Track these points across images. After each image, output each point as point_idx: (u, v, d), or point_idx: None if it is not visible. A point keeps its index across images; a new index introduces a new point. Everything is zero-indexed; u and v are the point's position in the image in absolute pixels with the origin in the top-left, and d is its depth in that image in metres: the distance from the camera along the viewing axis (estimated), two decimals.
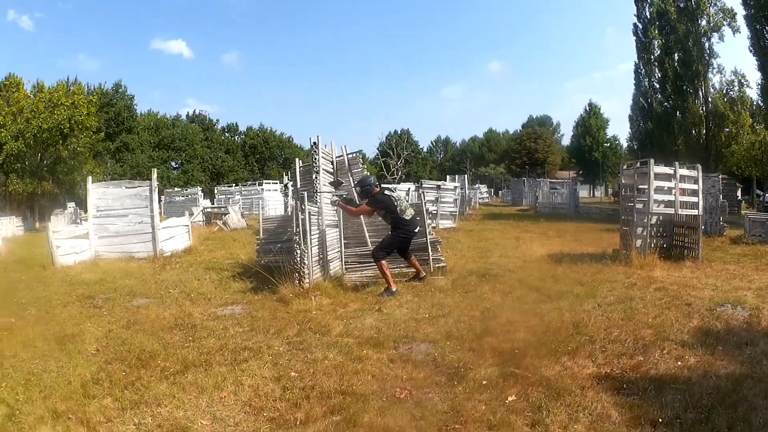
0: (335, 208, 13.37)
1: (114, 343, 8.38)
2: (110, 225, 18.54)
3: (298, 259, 11.54)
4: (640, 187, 15.92)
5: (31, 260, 18.56)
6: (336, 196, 13.07)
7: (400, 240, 12.37)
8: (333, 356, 7.55)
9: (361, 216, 13.82)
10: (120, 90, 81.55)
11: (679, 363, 7.10)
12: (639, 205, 15.76)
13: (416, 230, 12.84)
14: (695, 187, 16.37)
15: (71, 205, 45.58)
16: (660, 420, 5.39)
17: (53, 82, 57.25)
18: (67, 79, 66.72)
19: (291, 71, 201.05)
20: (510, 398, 5.98)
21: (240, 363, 7.32)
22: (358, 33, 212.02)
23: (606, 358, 7.29)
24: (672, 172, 15.91)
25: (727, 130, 51.51)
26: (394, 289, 11.55)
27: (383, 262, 11.88)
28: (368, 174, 14.71)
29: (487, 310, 10.09)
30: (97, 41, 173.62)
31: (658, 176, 15.66)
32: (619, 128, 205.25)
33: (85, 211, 36.86)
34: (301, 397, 6.13)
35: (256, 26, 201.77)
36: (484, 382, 6.45)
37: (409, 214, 12.36)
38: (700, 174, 16.45)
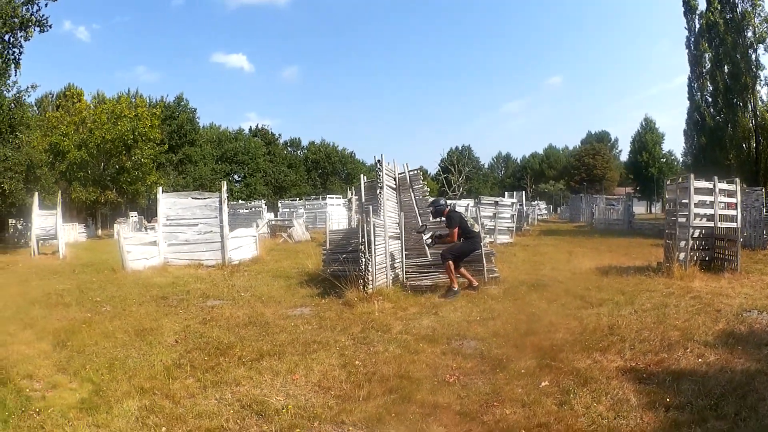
0: (420, 234, 14.56)
1: (192, 336, 9.22)
2: (180, 233, 19.52)
3: (363, 266, 12.41)
4: (683, 201, 16.29)
5: (99, 264, 19.60)
6: (425, 235, 14.29)
7: (469, 249, 13.64)
8: (392, 349, 8.37)
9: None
10: (182, 103, 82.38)
11: (699, 360, 7.69)
12: (681, 219, 16.17)
13: (481, 243, 14.23)
14: (734, 200, 16.79)
15: (134, 214, 46.70)
16: (673, 405, 5.99)
17: (113, 93, 58.67)
18: (128, 91, 68.40)
19: (350, 86, 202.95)
20: (543, 384, 6.72)
21: (310, 353, 8.11)
22: (418, 47, 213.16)
23: (633, 355, 7.90)
24: (712, 186, 16.32)
25: None
26: (456, 288, 12.67)
27: (451, 263, 12.97)
28: (439, 197, 15.95)
29: (532, 314, 10.84)
30: (156, 54, 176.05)
31: (698, 191, 16.09)
32: (676, 143, 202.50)
33: (149, 220, 37.96)
34: (364, 380, 6.91)
35: (316, 40, 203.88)
36: (523, 371, 7.20)
37: (477, 228, 13.59)
38: (739, 188, 16.84)
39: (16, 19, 32.15)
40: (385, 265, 13.60)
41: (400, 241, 14.57)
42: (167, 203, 19.81)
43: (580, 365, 7.41)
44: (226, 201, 20.23)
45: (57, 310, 11.64)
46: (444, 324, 10.02)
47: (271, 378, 7.09)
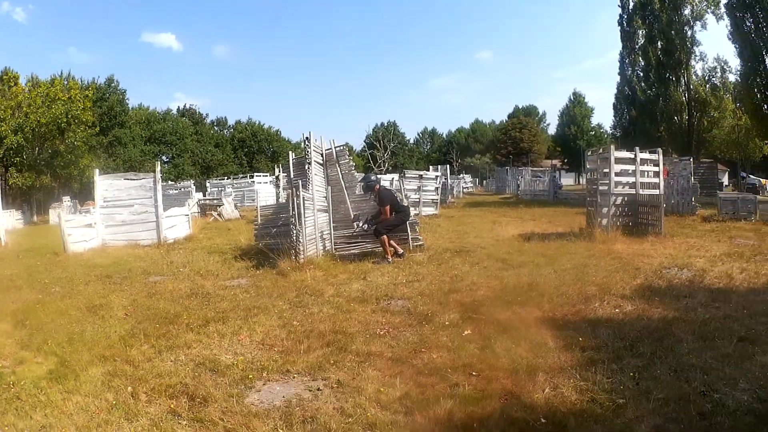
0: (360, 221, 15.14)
1: (140, 309, 9.72)
2: (116, 215, 19.78)
3: (295, 238, 13.17)
4: (604, 171, 17.22)
5: (41, 249, 19.65)
6: (361, 220, 15.05)
7: (401, 221, 14.76)
8: (326, 310, 9.14)
9: (349, 203, 15.61)
10: (113, 84, 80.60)
11: (616, 310, 8.48)
12: (603, 187, 17.06)
13: (409, 213, 15.23)
14: (656, 169, 17.67)
15: (66, 198, 46.13)
16: (589, 347, 6.73)
17: (46, 75, 57.58)
18: (61, 73, 66.65)
19: (279, 64, 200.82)
20: (466, 332, 7.51)
21: (251, 317, 8.80)
22: (347, 25, 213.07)
23: (551, 307, 8.69)
24: (633, 156, 17.30)
25: (711, 115, 52.49)
26: (390, 259, 13.64)
27: (385, 236, 13.99)
28: (369, 173, 16.75)
29: (455, 276, 11.62)
30: (87, 35, 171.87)
31: (619, 160, 17.04)
32: (606, 116, 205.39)
33: (81, 204, 37.56)
34: (303, 337, 7.60)
35: (246, 19, 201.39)
36: (447, 324, 7.99)
37: (405, 203, 14.61)
38: (661, 157, 17.74)
39: None
40: (314, 236, 14.36)
41: (328, 214, 15.24)
42: (104, 185, 20.04)
43: (500, 317, 8.13)
44: (160, 181, 20.48)
45: (10, 294, 11.87)
46: (372, 287, 10.83)
47: (218, 340, 7.67)
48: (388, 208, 14.42)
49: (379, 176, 29.29)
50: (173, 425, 5.08)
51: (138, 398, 5.73)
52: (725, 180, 72.41)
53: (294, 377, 6.23)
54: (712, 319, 7.78)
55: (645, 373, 5.89)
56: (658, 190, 17.50)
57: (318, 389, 5.84)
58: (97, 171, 20.90)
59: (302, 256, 13.21)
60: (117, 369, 6.64)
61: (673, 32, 51.54)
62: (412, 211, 16.14)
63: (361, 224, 14.84)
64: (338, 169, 16.08)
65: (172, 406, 5.49)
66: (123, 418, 5.24)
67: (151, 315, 9.23)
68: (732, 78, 49.68)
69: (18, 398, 5.91)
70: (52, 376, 6.53)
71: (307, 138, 15.09)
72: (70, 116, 47.64)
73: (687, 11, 51.57)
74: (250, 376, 6.21)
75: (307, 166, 14.75)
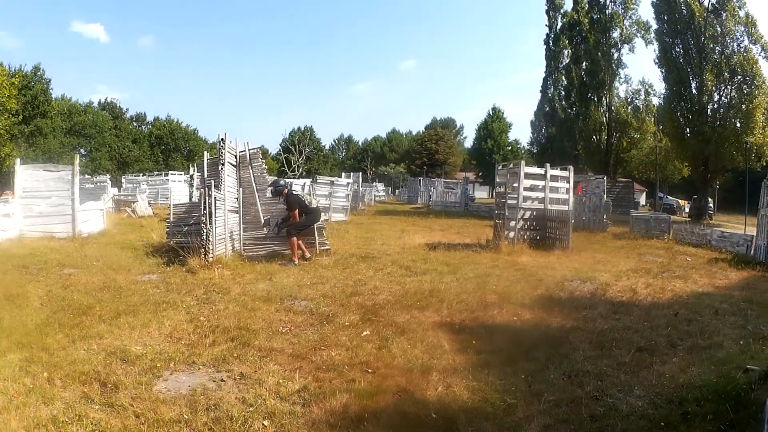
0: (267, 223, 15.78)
1: (55, 300, 9.91)
2: (35, 206, 19.64)
3: (204, 236, 13.55)
4: (514, 185, 17.85)
5: None
6: (272, 224, 15.54)
7: (311, 222, 15.35)
8: (232, 307, 9.60)
9: (259, 205, 16.06)
10: (38, 73, 79.01)
11: (514, 318, 8.98)
12: (511, 201, 17.63)
13: (320, 214, 15.84)
14: (567, 185, 18.35)
15: None
16: (485, 350, 7.17)
17: None
18: None
19: (201, 62, 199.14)
20: (365, 333, 8.00)
21: (160, 311, 9.18)
22: (271, 26, 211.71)
23: (450, 313, 9.19)
24: (543, 172, 17.99)
25: (631, 136, 53.64)
26: (296, 262, 14.16)
27: (294, 239, 14.61)
28: (278, 178, 17.31)
29: (359, 280, 12.16)
30: (18, 19, 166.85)
31: (528, 176, 17.65)
32: (526, 132, 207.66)
33: (0, 193, 36.84)
34: (209, 331, 8.04)
35: (173, 12, 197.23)
36: (347, 324, 8.51)
37: (314, 203, 15.08)
38: (572, 174, 18.44)
39: None
40: (224, 236, 14.73)
41: (238, 215, 15.66)
42: (24, 175, 19.87)
43: (399, 320, 8.67)
44: (78, 174, 20.38)
45: None
46: (278, 287, 11.31)
47: (129, 331, 8.00)
48: (296, 212, 14.98)
49: (290, 181, 29.58)
50: (86, 409, 5.39)
51: (54, 383, 6.00)
52: (642, 200, 74.36)
53: (199, 368, 6.62)
54: (612, 329, 8.27)
55: (538, 377, 6.32)
56: (567, 206, 18.11)
57: (222, 380, 6.24)
58: (18, 161, 20.72)
59: (211, 254, 13.57)
60: (33, 356, 6.83)
61: (599, 54, 52.54)
62: (322, 217, 16.59)
63: (272, 227, 15.28)
64: (251, 171, 16.44)
65: (85, 391, 5.81)
66: (40, 402, 5.51)
67: (66, 306, 9.44)
68: (655, 101, 50.74)
69: None
70: None
71: (222, 139, 15.41)
72: None
73: (616, 34, 52.78)
74: (158, 366, 6.57)
75: (220, 167, 15.03)
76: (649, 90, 52.43)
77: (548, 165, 18.55)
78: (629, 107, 53.20)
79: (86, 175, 51.33)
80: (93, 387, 5.95)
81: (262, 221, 15.88)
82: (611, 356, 7.01)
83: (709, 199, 45.08)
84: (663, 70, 41.05)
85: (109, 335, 7.82)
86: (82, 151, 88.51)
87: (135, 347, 7.31)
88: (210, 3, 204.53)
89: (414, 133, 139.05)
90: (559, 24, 60.66)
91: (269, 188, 16.21)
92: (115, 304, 9.59)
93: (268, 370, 6.51)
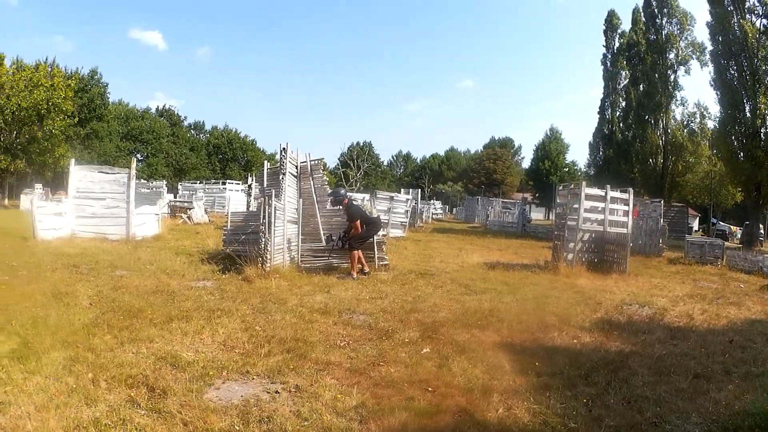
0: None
1: (105, 300, 9.75)
2: (88, 206, 19.74)
3: (263, 246, 13.28)
4: (574, 206, 17.40)
5: (9, 232, 19.68)
6: (334, 239, 15.13)
7: (373, 233, 14.99)
8: (289, 318, 9.25)
9: (319, 217, 15.90)
10: (95, 77, 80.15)
11: (574, 340, 8.66)
12: (571, 222, 17.23)
13: (381, 224, 15.53)
14: (626, 208, 17.87)
15: (38, 186, 45.76)
16: (545, 373, 6.87)
17: (31, 60, 57.04)
18: (46, 59, 66.38)
19: (260, 72, 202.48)
20: (425, 350, 7.65)
21: (214, 318, 8.88)
22: (331, 40, 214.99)
23: (510, 333, 8.83)
24: (603, 193, 17.50)
25: (686, 160, 52.69)
26: (355, 276, 13.73)
27: (356, 252, 14.25)
28: (339, 188, 16.90)
29: (418, 296, 11.78)
30: (76, 24, 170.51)
31: (589, 197, 17.19)
32: (582, 154, 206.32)
33: (53, 193, 37.20)
34: (264, 341, 7.71)
35: (232, 25, 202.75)
36: (407, 340, 8.15)
37: (375, 214, 14.70)
38: (631, 197, 17.96)
39: None
40: (282, 246, 14.43)
41: (297, 226, 15.35)
42: (78, 176, 19.98)
43: (459, 338, 8.30)
44: (134, 178, 20.44)
45: None
46: (336, 300, 10.94)
47: (181, 337, 7.74)
48: (358, 223, 14.55)
49: (350, 193, 29.48)
50: (131, 413, 5.15)
51: (98, 385, 5.79)
52: (695, 225, 73.27)
53: (253, 378, 6.34)
54: (669, 355, 7.95)
55: (598, 401, 6.02)
56: (625, 229, 17.67)
57: (276, 392, 5.95)
58: (72, 161, 20.77)
59: (269, 264, 13.30)
60: (79, 355, 6.65)
61: (656, 75, 51.92)
62: (380, 232, 16.24)
63: (335, 242, 14.93)
64: (311, 182, 16.25)
65: (131, 395, 5.57)
66: (82, 402, 5.30)
67: (116, 307, 9.23)
68: (711, 124, 49.92)
69: None
70: (13, 355, 6.55)
71: (284, 149, 15.20)
72: (50, 103, 47.27)
73: (672, 55, 52.01)
74: (210, 374, 6.31)
75: (281, 177, 14.86)
76: (705, 113, 51.87)
77: (608, 187, 18.07)
78: (685, 130, 52.66)
79: (142, 180, 51.80)
80: (140, 391, 5.72)
81: (323, 237, 15.69)
82: (669, 382, 6.78)
83: (761, 226, 43.99)
84: (718, 93, 40.08)
85: (159, 339, 7.61)
86: (138, 155, 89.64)
87: (186, 353, 7.08)
88: (267, 19, 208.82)
89: (472, 152, 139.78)
90: (617, 44, 60.46)
91: (329, 198, 16.06)
92: (168, 309, 9.37)
93: (324, 384, 6.21)
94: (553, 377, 6.74)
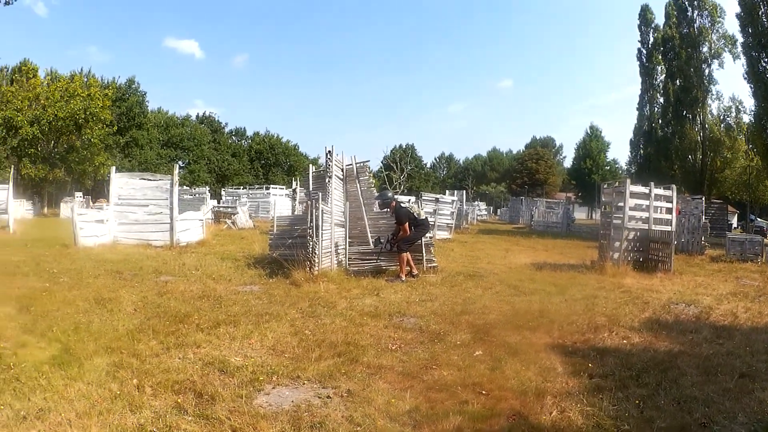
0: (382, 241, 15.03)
1: (150, 306, 9.70)
2: (130, 213, 19.82)
3: (310, 249, 13.13)
4: (618, 204, 17.12)
5: (50, 240, 19.84)
6: (382, 242, 14.94)
7: (422, 234, 14.80)
8: (339, 322, 9.06)
9: (366, 220, 15.79)
10: (133, 86, 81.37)
11: (624, 341, 8.44)
12: (616, 221, 16.97)
13: (429, 226, 15.38)
14: (669, 205, 17.65)
15: (79, 194, 46.20)
16: (596, 374, 6.71)
17: (66, 71, 57.88)
18: (81, 70, 67.35)
19: (298, 77, 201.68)
20: (477, 353, 7.45)
21: (263, 323, 8.72)
22: (368, 43, 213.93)
23: (561, 334, 8.66)
24: (648, 191, 17.19)
25: (724, 155, 52.31)
26: (404, 278, 13.56)
27: (405, 254, 14.06)
28: (386, 190, 16.77)
29: (468, 299, 11.56)
30: (110, 34, 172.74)
31: (634, 195, 16.93)
32: (621, 152, 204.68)
33: (93, 201, 37.50)
34: (314, 346, 7.55)
35: (268, 30, 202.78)
36: (458, 343, 7.95)
37: (423, 215, 14.84)
38: (674, 194, 17.80)
39: None
40: (330, 249, 14.32)
41: (344, 229, 15.19)
42: (119, 183, 20.07)
43: (510, 340, 8.11)
44: (177, 184, 20.50)
45: (16, 279, 11.93)
46: (385, 303, 10.76)
47: (228, 342, 7.60)
48: (406, 225, 14.38)
49: (396, 196, 29.37)
50: (178, 420, 5.04)
51: (143, 391, 5.68)
52: (734, 222, 72.23)
53: (304, 383, 6.20)
54: (716, 354, 7.81)
55: (649, 403, 5.91)
56: (669, 227, 17.46)
57: (327, 397, 5.81)
58: (113, 168, 20.99)
59: (317, 268, 13.16)
60: (123, 361, 6.58)
61: (691, 70, 51.38)
62: (427, 234, 16.00)
63: (383, 244, 14.77)
64: (357, 185, 16.14)
65: (178, 401, 5.46)
66: (126, 409, 5.20)
67: (161, 313, 9.20)
68: (746, 118, 48.78)
69: (17, 380, 5.90)
70: (54, 361, 6.49)
71: (329, 152, 15.10)
72: (88, 113, 48.09)
73: (705, 49, 51.46)
74: (260, 379, 6.18)
75: (327, 180, 14.77)
76: (740, 107, 51.20)
77: (652, 184, 17.73)
78: (722, 125, 52.01)
79: (185, 186, 52.30)
80: (187, 397, 5.61)
81: (370, 239, 15.55)
82: (716, 382, 6.63)
83: None
84: (751, 86, 39.36)
85: (207, 345, 7.51)
86: (180, 162, 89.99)
87: (235, 358, 6.96)
88: (305, 24, 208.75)
89: (514, 152, 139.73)
90: (651, 39, 59.23)
91: (376, 201, 15.90)
92: (215, 314, 9.28)
93: (377, 388, 6.04)
94: (605, 378, 6.63)
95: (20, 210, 37.21)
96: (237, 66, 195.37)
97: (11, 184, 27.26)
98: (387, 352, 7.45)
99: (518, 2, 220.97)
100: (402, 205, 15.30)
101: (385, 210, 15.49)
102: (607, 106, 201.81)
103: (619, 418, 5.47)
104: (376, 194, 16.30)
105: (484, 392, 6.07)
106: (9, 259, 15.00)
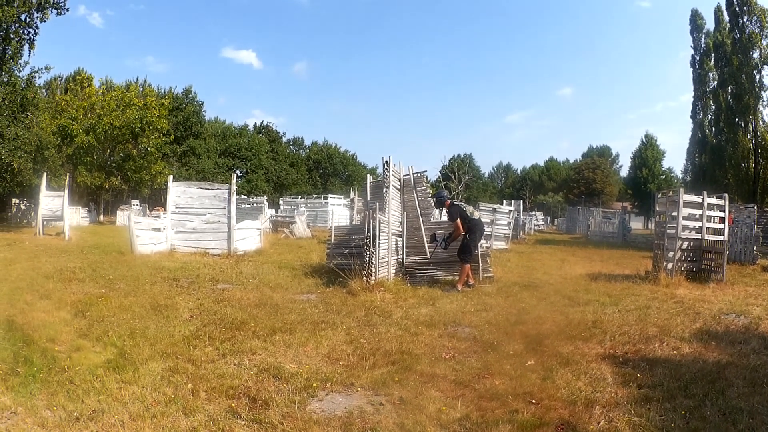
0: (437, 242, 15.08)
1: (206, 313, 9.81)
2: (187, 222, 20.04)
3: (367, 259, 13.13)
4: (672, 214, 16.95)
5: (106, 247, 20.33)
6: (438, 240, 14.99)
7: (478, 239, 14.70)
8: (394, 331, 9.07)
9: (423, 230, 15.60)
10: (190, 95, 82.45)
11: (674, 351, 8.35)
12: (670, 231, 16.76)
13: (483, 227, 15.25)
14: (722, 215, 17.35)
15: (135, 202, 46.86)
16: (645, 384, 6.66)
17: (121, 80, 58.92)
18: (137, 79, 68.61)
19: (357, 87, 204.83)
20: (529, 363, 7.43)
21: (318, 331, 8.75)
22: (426, 52, 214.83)
23: (612, 345, 8.59)
24: (700, 200, 16.95)
25: None
26: (460, 288, 13.52)
27: (467, 266, 14.05)
28: (442, 190, 16.97)
29: (522, 309, 11.53)
30: (166, 45, 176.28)
31: (687, 204, 16.70)
32: (676, 161, 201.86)
33: (150, 209, 38.09)
34: (369, 354, 7.58)
35: (326, 40, 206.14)
36: (511, 353, 7.92)
37: (477, 215, 14.80)
38: (727, 203, 17.43)
39: (34, 0, 32.49)
40: (387, 259, 14.27)
41: (402, 239, 15.26)
42: (177, 191, 20.30)
43: (563, 350, 8.08)
44: (234, 193, 20.67)
45: (72, 285, 12.15)
46: (441, 313, 10.71)
47: (284, 349, 7.65)
48: (458, 222, 14.36)
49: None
50: (231, 424, 5.12)
51: (197, 395, 5.78)
52: None
53: (357, 390, 6.25)
54: (763, 365, 7.71)
55: (695, 413, 5.87)
56: (722, 237, 17.13)
57: (380, 404, 5.86)
58: (171, 177, 21.21)
59: (373, 277, 13.16)
60: (178, 366, 6.71)
61: (743, 76, 50.69)
62: (484, 244, 15.93)
63: (438, 242, 14.81)
64: (415, 195, 16.07)
65: (232, 405, 5.54)
66: (180, 412, 5.29)
67: (217, 320, 9.29)
68: None
69: (71, 382, 6.04)
70: (109, 365, 6.62)
71: (386, 162, 15.17)
72: (144, 122, 48.86)
73: (756, 55, 50.74)
74: (314, 385, 6.23)
75: (384, 190, 14.75)
76: None
77: (705, 193, 17.48)
78: None
79: (242, 196, 52.79)
80: (241, 402, 5.71)
81: (427, 250, 15.46)
82: (762, 393, 6.53)
83: None
84: None
85: (262, 351, 7.59)
86: (237, 172, 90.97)
87: (290, 365, 7.02)
88: (364, 33, 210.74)
89: (571, 161, 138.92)
90: (703, 45, 58.28)
91: (432, 200, 15.88)
92: (271, 321, 9.32)
93: (429, 396, 6.07)
94: (653, 389, 6.60)
95: (76, 217, 37.89)
96: (296, 74, 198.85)
97: (66, 191, 27.75)
98: (440, 361, 7.45)
99: (572, 8, 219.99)
100: (456, 203, 15.28)
101: (444, 221, 15.55)
102: (662, 114, 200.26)
103: (665, 429, 5.48)
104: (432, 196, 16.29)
105: (534, 401, 6.08)
106: (66, 265, 15.27)
